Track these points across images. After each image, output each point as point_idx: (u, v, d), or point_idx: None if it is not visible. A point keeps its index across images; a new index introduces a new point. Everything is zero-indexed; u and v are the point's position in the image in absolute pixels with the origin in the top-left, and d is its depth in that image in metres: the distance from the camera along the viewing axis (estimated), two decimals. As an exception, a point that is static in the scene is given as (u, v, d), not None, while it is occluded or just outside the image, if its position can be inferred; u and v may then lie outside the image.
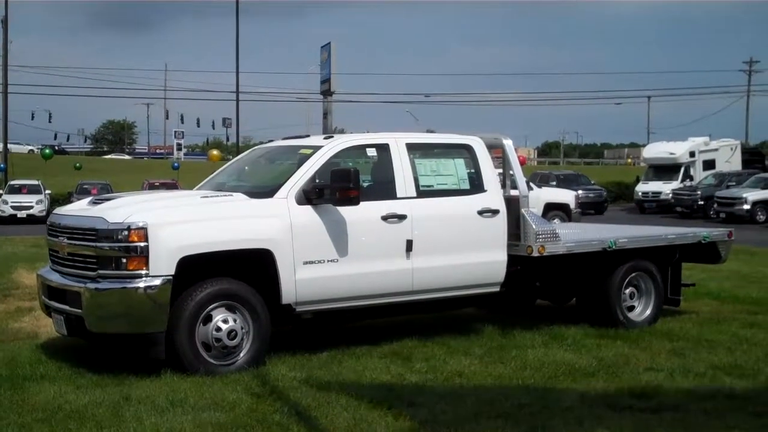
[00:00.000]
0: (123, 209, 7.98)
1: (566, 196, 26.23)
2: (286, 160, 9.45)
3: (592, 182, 44.11)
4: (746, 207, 32.48)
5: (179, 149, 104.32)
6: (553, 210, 24.17)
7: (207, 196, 8.64)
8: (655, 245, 10.62)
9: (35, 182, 41.76)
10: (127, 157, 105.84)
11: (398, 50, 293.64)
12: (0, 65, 52.89)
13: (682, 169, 40.68)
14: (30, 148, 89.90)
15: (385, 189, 9.00)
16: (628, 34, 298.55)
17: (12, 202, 38.72)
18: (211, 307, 7.91)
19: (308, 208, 8.40)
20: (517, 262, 9.70)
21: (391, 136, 9.36)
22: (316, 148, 8.91)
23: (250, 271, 8.20)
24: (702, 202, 35.85)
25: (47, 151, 59.07)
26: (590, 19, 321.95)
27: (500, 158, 10.37)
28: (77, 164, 60.89)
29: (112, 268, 7.69)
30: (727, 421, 6.48)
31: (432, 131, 10.78)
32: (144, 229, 7.63)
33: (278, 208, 8.30)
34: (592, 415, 6.61)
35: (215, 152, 56.60)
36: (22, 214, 38.11)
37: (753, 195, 32.89)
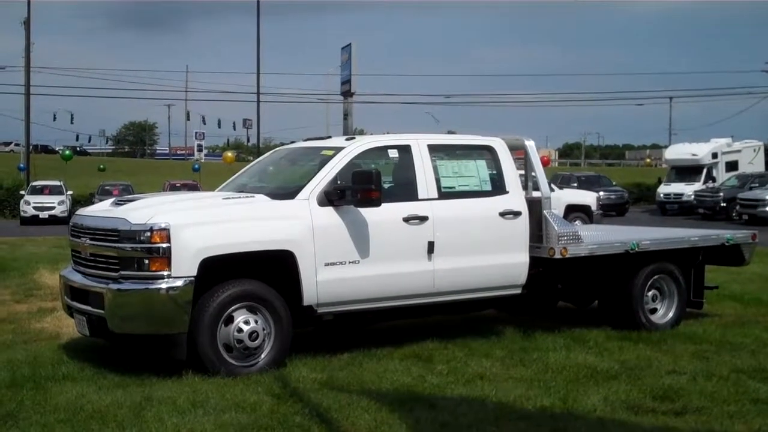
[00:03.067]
0: (145, 210, 8.00)
1: (587, 198, 26.09)
2: (307, 162, 9.45)
3: (614, 184, 43.96)
4: (769, 209, 32.17)
5: (200, 150, 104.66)
6: (574, 212, 24.03)
7: (229, 198, 8.66)
8: (678, 247, 10.55)
9: (57, 183, 42.09)
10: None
11: (418, 51, 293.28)
12: (22, 66, 53.24)
13: (705, 171, 40.44)
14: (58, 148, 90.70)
15: (406, 190, 8.99)
16: (650, 34, 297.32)
17: (34, 203, 39.06)
18: (232, 308, 7.92)
19: (330, 209, 8.39)
20: (538, 264, 9.66)
21: (413, 137, 9.34)
22: (338, 150, 8.91)
23: (271, 272, 8.20)
24: (724, 204, 35.54)
25: (67, 152, 59.46)
26: (612, 19, 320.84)
27: (522, 159, 10.33)
28: (101, 165, 61.35)
29: (135, 269, 7.72)
30: (752, 424, 6.43)
31: (453, 132, 10.75)
32: (166, 230, 7.64)
33: (300, 209, 8.30)
34: (615, 418, 6.58)
35: (230, 154, 56.80)
36: (44, 214, 38.45)
37: (776, 197, 32.58)
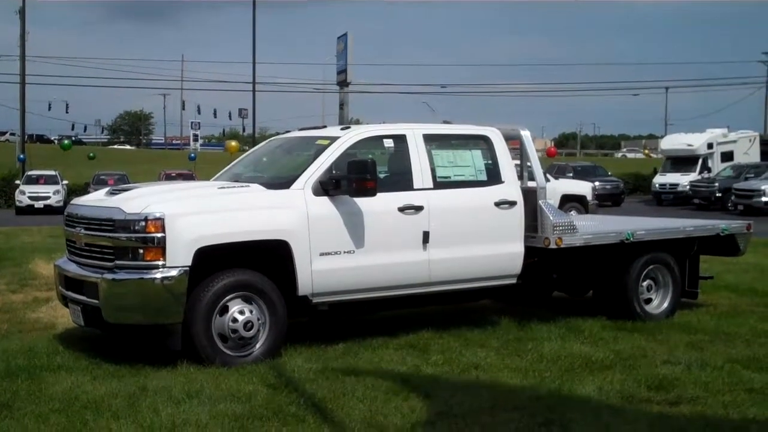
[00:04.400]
0: (140, 200, 7.99)
1: (583, 188, 26.10)
2: (302, 151, 9.44)
3: (609, 174, 43.98)
4: (764, 199, 32.15)
5: (195, 140, 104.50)
6: (569, 202, 24.03)
7: (224, 187, 8.64)
8: (673, 237, 10.57)
9: (52, 173, 42.04)
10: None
11: (414, 41, 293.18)
12: (17, 56, 53.12)
13: (700, 161, 40.49)
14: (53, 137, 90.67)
15: (402, 180, 8.98)
16: (647, 24, 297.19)
17: (29, 193, 39.02)
18: (227, 298, 7.92)
19: (325, 199, 8.38)
20: (534, 254, 9.66)
21: (408, 127, 9.33)
22: (333, 139, 8.90)
23: (266, 262, 8.20)
24: (720, 194, 35.62)
25: (66, 142, 59.31)
26: (608, 10, 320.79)
27: (518, 149, 10.33)
28: (91, 154, 61.15)
29: (129, 258, 7.71)
30: (746, 414, 6.44)
31: (449, 122, 10.74)
32: (161, 219, 7.63)
33: (295, 199, 8.29)
34: (609, 407, 6.59)
35: (233, 143, 56.63)
36: (39, 204, 38.43)
37: (771, 187, 32.59)
